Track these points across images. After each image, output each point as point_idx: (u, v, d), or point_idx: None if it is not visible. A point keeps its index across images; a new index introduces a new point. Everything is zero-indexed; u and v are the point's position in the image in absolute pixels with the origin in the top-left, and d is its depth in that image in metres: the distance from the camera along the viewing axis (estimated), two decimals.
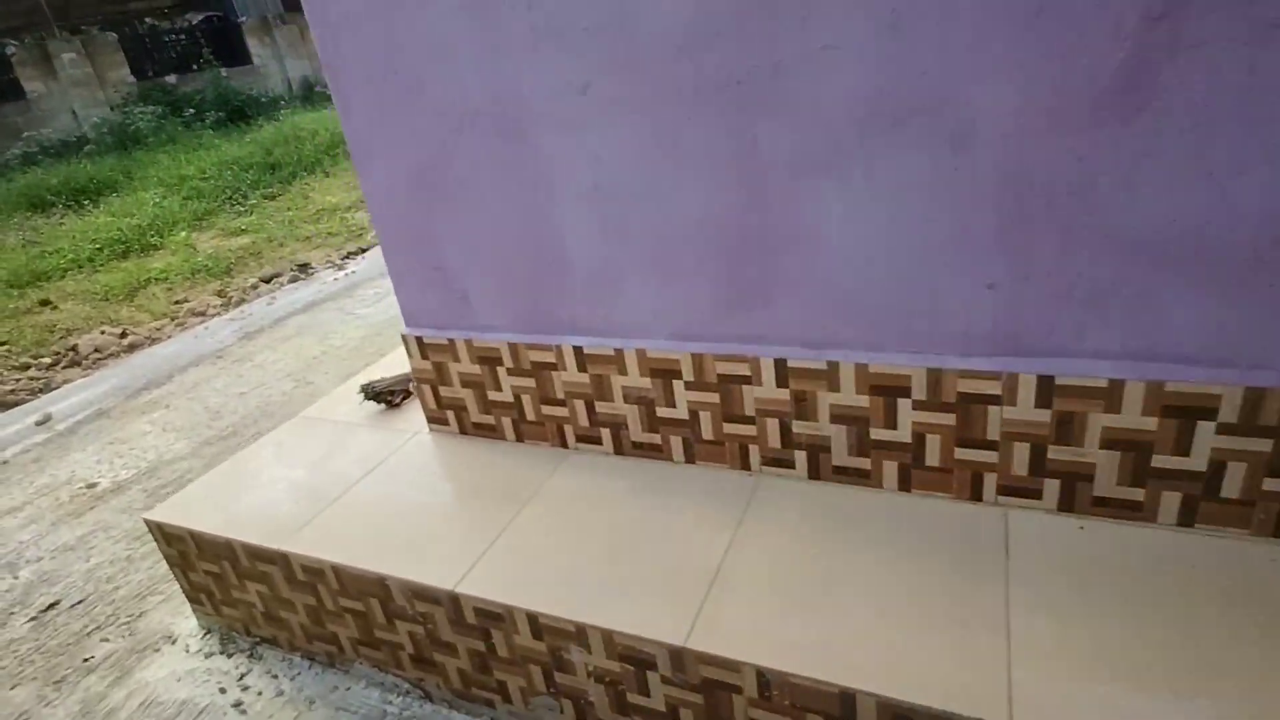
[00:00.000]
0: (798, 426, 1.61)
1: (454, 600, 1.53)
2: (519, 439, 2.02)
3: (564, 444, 1.96)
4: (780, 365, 1.56)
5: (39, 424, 3.52)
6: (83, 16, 18.53)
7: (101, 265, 6.93)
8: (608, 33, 1.43)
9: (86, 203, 9.40)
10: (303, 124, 11.76)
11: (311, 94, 15.35)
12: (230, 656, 1.98)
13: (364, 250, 5.98)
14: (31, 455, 3.29)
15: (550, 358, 1.85)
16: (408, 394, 2.36)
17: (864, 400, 1.51)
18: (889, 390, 1.47)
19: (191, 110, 13.17)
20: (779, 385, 1.59)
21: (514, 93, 1.58)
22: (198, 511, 1.97)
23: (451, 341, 1.99)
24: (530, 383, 1.92)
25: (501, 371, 1.95)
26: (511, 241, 1.78)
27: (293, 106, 14.21)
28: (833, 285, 1.46)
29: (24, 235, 8.16)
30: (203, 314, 4.90)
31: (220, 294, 5.39)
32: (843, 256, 1.42)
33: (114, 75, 14.53)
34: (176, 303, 5.35)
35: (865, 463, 1.57)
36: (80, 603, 2.30)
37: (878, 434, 1.53)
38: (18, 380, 4.03)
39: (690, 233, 1.55)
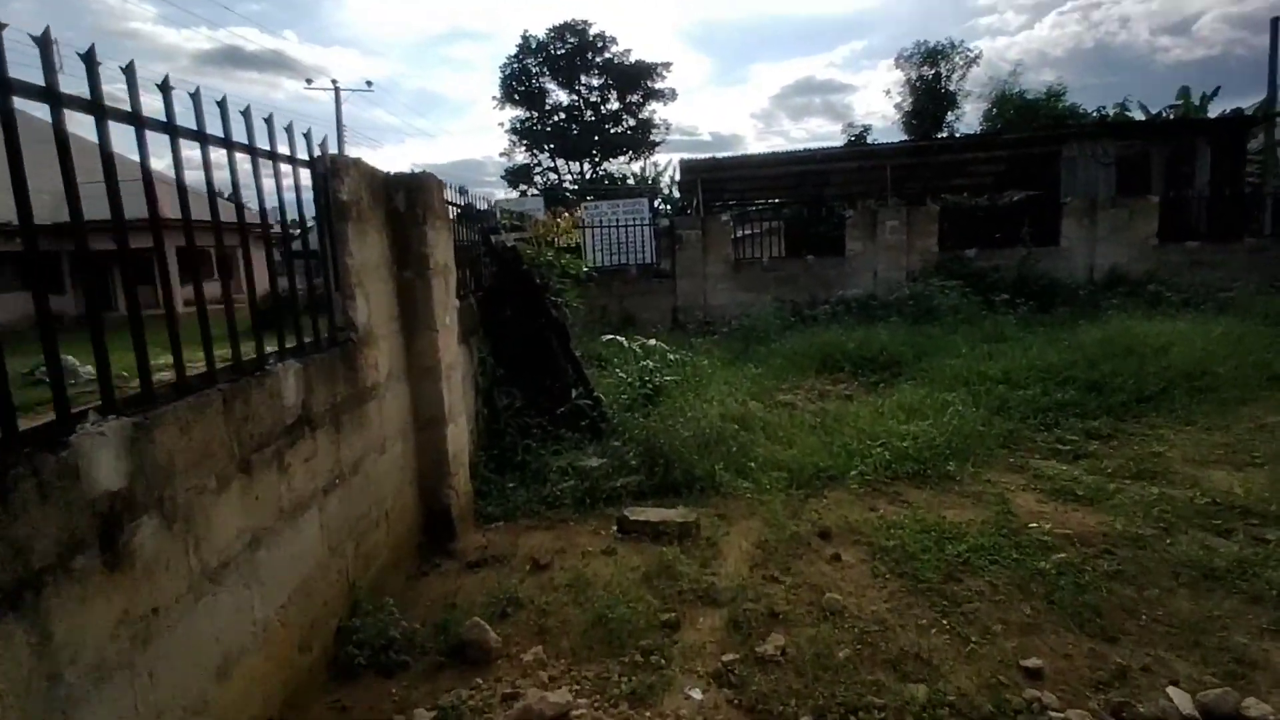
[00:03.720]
0: None
1: None
2: None
3: None
4: None
5: None
6: (913, 190, 20.32)
7: (881, 485, 5.42)
8: None
9: (874, 378, 8.67)
10: (1139, 332, 8.81)
11: (1137, 289, 12.27)
12: None
13: None
14: None
15: None
16: None
17: None
18: None
19: (1004, 294, 11.82)
20: None
21: None
22: None
23: None
24: None
25: None
26: None
27: (1117, 306, 11.35)
28: None
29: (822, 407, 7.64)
30: None
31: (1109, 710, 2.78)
32: None
33: (921, 244, 14.75)
34: (1029, 675, 3.00)
35: None
36: None
37: None
38: None
39: None
